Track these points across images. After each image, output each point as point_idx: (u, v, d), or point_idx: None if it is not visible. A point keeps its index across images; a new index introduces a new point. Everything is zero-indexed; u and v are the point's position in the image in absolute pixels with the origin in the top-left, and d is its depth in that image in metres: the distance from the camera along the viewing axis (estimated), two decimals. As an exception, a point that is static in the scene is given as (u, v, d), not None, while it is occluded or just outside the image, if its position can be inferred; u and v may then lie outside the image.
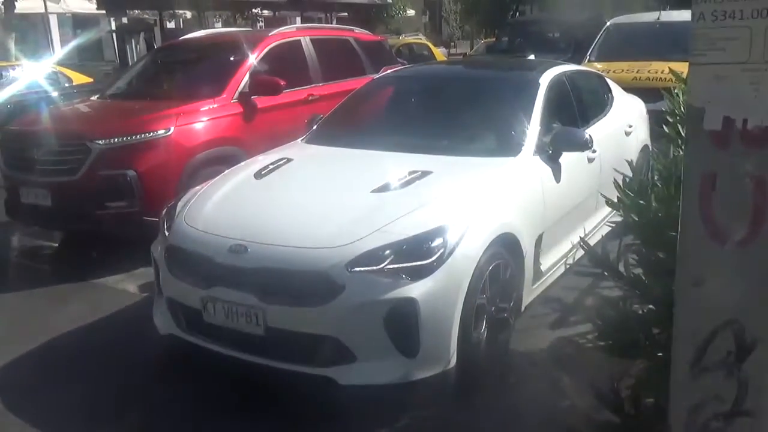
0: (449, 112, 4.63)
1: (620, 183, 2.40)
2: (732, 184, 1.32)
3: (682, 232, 1.33)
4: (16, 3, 19.14)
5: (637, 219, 2.15)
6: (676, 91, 2.88)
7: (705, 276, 1.29)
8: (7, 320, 4.49)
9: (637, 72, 7.77)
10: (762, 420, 1.33)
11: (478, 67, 6.63)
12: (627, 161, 2.71)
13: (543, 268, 3.96)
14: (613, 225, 2.56)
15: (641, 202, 2.13)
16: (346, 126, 4.87)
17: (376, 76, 5.94)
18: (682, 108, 2.65)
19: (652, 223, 2.03)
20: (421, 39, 22.42)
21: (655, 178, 2.31)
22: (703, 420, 1.31)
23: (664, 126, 2.89)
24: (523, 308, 3.77)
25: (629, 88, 6.23)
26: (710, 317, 1.29)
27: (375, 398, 3.10)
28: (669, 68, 2.50)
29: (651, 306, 1.98)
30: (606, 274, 2.30)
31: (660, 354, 1.82)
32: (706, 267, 1.30)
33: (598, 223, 4.72)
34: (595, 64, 8.27)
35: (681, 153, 2.41)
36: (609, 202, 2.49)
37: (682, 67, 7.72)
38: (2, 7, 18.75)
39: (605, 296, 2.35)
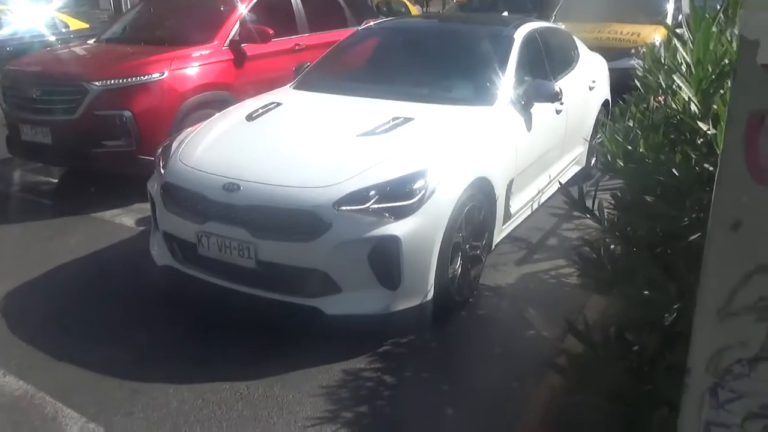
0: (430, 63, 4.44)
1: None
2: None
3: (721, 172, 1.12)
4: (13, -51, 18.03)
5: (623, 164, 2.03)
6: (642, 50, 2.79)
7: (743, 219, 1.12)
8: (12, 250, 4.32)
9: (598, 32, 7.59)
10: None
11: (458, 21, 6.38)
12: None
13: (512, 210, 3.89)
14: (580, 167, 2.46)
15: (629, 147, 2.01)
16: (333, 74, 4.66)
17: (360, 28, 5.67)
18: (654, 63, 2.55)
19: (639, 168, 1.91)
20: (398, -3, 21.71)
21: (632, 124, 2.19)
22: (726, 364, 1.17)
23: (635, 80, 2.80)
24: (493, 246, 3.72)
25: (591, 48, 6.05)
26: (744, 262, 1.13)
27: (358, 327, 3.03)
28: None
29: (633, 248, 1.89)
30: (579, 214, 2.20)
31: (646, 292, 1.74)
32: (745, 210, 1.09)
33: (561, 170, 4.64)
34: (559, 24, 8.04)
35: (661, 102, 2.31)
36: (596, 147, 2.39)
37: (639, 29, 7.46)
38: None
39: (585, 238, 2.26)
